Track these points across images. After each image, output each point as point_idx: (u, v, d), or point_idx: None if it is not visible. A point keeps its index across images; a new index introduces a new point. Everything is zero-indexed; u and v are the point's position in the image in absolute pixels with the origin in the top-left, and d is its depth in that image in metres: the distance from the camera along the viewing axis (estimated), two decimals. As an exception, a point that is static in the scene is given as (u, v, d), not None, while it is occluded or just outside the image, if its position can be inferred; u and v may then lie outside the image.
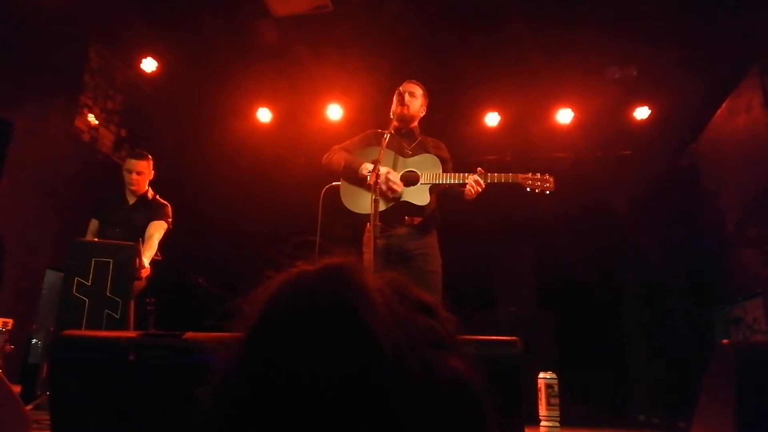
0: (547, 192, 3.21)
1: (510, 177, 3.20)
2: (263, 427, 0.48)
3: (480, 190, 3.14)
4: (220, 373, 0.54)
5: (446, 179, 3.19)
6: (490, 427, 0.53)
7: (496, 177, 3.17)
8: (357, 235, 3.30)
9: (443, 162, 3.30)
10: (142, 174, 4.05)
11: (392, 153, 3.26)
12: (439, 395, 0.50)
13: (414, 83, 3.48)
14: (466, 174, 3.16)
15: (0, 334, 3.16)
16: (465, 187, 3.15)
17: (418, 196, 3.18)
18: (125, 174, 4.06)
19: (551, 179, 3.21)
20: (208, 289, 4.08)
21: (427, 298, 0.60)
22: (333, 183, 3.33)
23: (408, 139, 3.40)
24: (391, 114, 3.32)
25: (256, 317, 0.54)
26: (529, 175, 3.20)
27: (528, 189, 3.20)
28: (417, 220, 3.23)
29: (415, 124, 3.48)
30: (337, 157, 3.36)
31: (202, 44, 5.71)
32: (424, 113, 3.52)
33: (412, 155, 3.32)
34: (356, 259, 0.58)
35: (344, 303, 0.52)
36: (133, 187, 4.03)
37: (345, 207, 3.25)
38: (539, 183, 3.19)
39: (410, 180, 3.21)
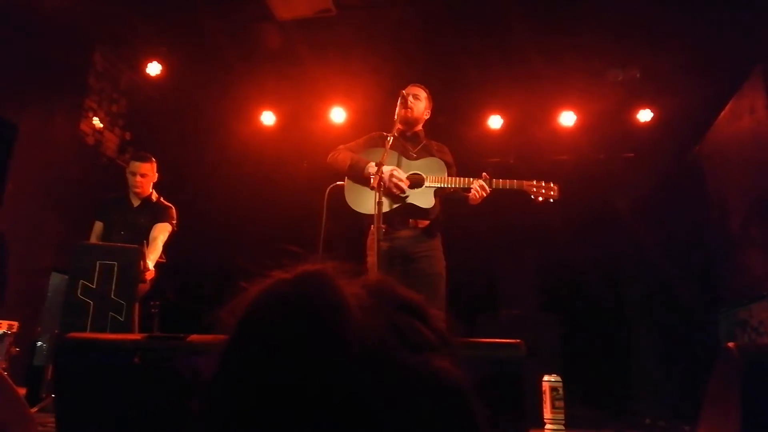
0: (551, 200, 3.21)
1: (515, 183, 3.20)
2: None
3: (485, 195, 3.14)
4: (205, 381, 0.54)
5: (451, 183, 3.20)
6: (481, 428, 0.53)
7: (501, 183, 3.17)
8: (361, 235, 3.31)
9: (447, 166, 3.30)
10: (145, 176, 4.06)
11: (397, 155, 3.26)
12: (418, 398, 0.50)
13: (418, 86, 3.48)
14: (471, 179, 3.16)
15: (5, 336, 3.18)
16: (470, 191, 3.15)
17: (423, 198, 3.18)
18: (129, 176, 4.07)
19: (555, 187, 3.21)
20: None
21: (411, 297, 0.59)
22: (337, 182, 3.34)
23: (412, 143, 3.40)
24: (396, 117, 3.32)
25: (232, 327, 0.55)
26: (534, 182, 3.20)
27: (532, 196, 3.20)
28: (421, 222, 3.23)
29: (420, 127, 3.48)
30: (343, 156, 3.36)
31: (206, 48, 5.73)
32: (428, 116, 3.53)
33: (417, 158, 3.32)
34: (332, 265, 0.58)
35: (314, 310, 0.52)
36: (137, 190, 4.04)
37: (349, 207, 3.25)
38: (544, 191, 3.19)
39: (415, 183, 3.21)
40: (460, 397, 0.52)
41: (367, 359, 0.49)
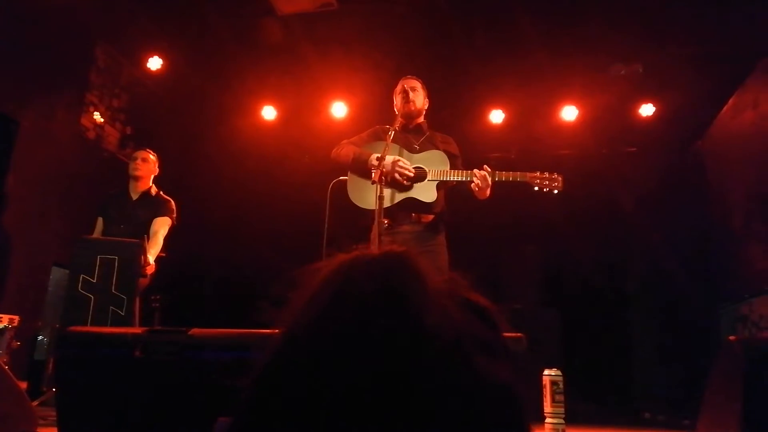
0: (555, 191, 3.16)
1: (518, 175, 3.15)
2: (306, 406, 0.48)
3: (487, 186, 3.10)
4: (271, 354, 0.53)
5: (453, 176, 3.16)
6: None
7: (504, 175, 3.13)
8: (364, 231, 3.29)
9: (452, 158, 3.26)
10: (146, 161, 4.08)
11: (399, 148, 3.24)
12: (479, 398, 0.49)
13: (412, 78, 3.45)
14: (474, 171, 3.13)
15: (6, 330, 3.18)
16: (471, 184, 3.13)
17: (425, 192, 3.15)
18: (130, 164, 4.09)
19: (560, 178, 3.15)
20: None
21: (482, 301, 0.59)
22: (340, 178, 3.31)
23: (416, 135, 3.37)
24: (397, 112, 3.31)
25: (310, 296, 0.54)
26: (537, 173, 3.15)
27: (536, 188, 3.15)
28: (425, 217, 3.20)
29: (422, 119, 3.46)
30: (346, 150, 3.34)
31: (207, 42, 5.73)
32: (427, 106, 3.51)
33: (420, 151, 3.28)
34: (415, 251, 0.58)
35: (399, 292, 0.52)
36: (136, 173, 4.04)
37: (352, 202, 3.23)
38: (547, 182, 3.13)
39: (418, 176, 3.19)
40: (516, 403, 0.52)
41: (441, 351, 0.49)
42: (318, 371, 0.49)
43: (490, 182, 3.10)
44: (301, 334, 0.53)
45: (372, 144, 3.31)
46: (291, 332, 0.53)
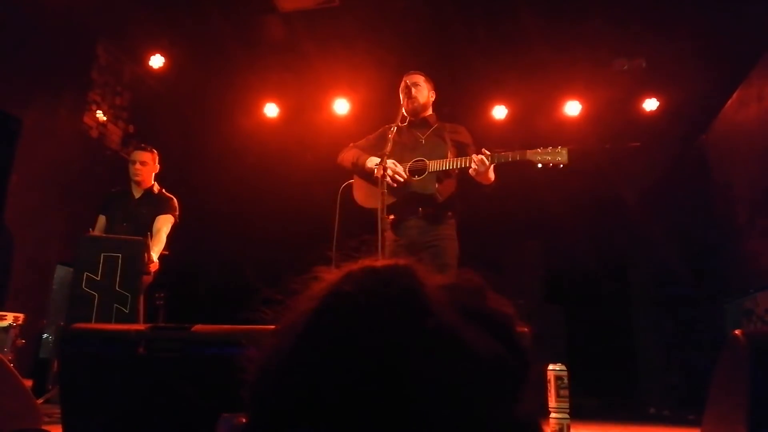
0: (561, 166, 3.02)
1: (518, 154, 3.05)
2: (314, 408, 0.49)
3: (486, 171, 3.03)
4: (273, 357, 0.54)
5: (451, 164, 3.12)
6: None
7: (503, 156, 3.04)
8: (371, 231, 3.28)
9: (461, 146, 3.24)
10: (145, 164, 4.07)
11: (405, 145, 3.24)
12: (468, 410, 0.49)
13: (414, 73, 3.42)
14: (472, 156, 3.06)
15: (11, 328, 3.18)
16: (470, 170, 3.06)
17: (426, 185, 3.14)
18: (130, 166, 4.10)
19: (564, 151, 3.01)
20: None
21: (498, 312, 0.57)
22: (350, 181, 3.32)
23: (422, 129, 3.36)
24: (403, 109, 3.30)
25: (318, 303, 0.54)
26: (539, 149, 3.03)
27: (540, 165, 3.03)
28: (429, 209, 3.17)
29: (428, 112, 3.43)
30: (348, 155, 3.37)
31: (209, 40, 5.72)
32: (434, 98, 3.47)
33: (425, 144, 3.28)
34: (418, 265, 0.58)
35: (402, 306, 0.52)
36: (137, 178, 4.05)
37: (359, 205, 3.24)
38: (550, 157, 3.02)
39: (419, 170, 3.18)
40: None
41: (442, 371, 0.49)
42: (325, 377, 0.49)
43: (488, 165, 3.03)
44: (307, 340, 0.53)
45: (378, 145, 3.29)
46: (298, 339, 0.53)
